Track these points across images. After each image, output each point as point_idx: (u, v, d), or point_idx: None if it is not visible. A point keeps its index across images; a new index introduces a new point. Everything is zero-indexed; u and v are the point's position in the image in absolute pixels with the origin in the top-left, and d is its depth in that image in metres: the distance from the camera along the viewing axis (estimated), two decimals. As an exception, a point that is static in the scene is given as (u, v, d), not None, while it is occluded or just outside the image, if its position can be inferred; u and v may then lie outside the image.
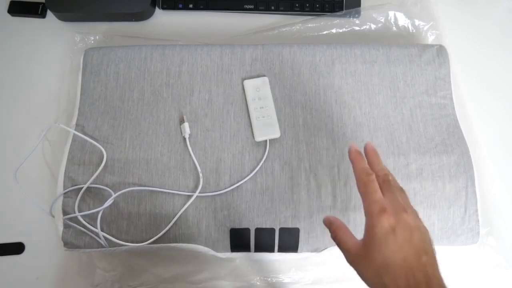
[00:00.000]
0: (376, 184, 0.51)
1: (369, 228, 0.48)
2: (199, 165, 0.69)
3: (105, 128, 0.72)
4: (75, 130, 0.71)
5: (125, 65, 0.75)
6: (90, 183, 0.67)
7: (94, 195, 0.68)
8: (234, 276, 0.72)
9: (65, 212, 0.67)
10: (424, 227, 0.49)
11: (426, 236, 0.48)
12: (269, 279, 0.72)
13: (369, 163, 0.55)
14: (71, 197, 0.68)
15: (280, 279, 0.72)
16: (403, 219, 0.47)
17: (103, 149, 0.69)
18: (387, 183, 0.52)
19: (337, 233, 0.52)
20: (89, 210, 0.66)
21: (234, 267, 0.73)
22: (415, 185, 0.69)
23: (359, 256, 0.48)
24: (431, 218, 0.68)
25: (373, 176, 0.51)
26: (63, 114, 0.78)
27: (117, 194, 0.67)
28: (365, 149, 0.57)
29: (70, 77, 0.80)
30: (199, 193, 0.68)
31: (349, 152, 0.56)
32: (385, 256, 0.46)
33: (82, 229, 0.66)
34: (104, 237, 0.66)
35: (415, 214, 0.50)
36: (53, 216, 0.69)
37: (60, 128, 0.73)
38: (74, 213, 0.66)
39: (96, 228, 0.65)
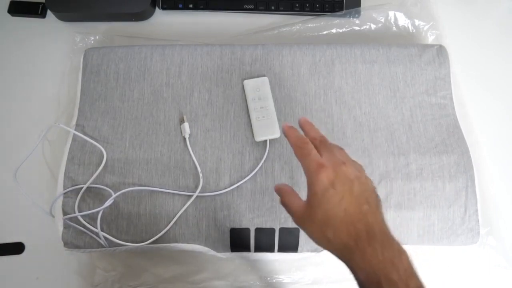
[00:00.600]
0: (311, 145, 0.51)
1: (309, 186, 0.48)
2: (199, 165, 0.69)
3: (105, 128, 0.72)
4: (75, 130, 0.71)
5: (125, 65, 0.75)
6: (90, 183, 0.67)
7: (94, 195, 0.68)
8: (234, 276, 0.72)
9: (65, 212, 0.67)
10: (365, 177, 0.50)
11: (367, 186, 0.49)
12: (269, 279, 0.73)
13: (305, 133, 0.56)
14: (71, 197, 0.68)
15: (280, 279, 0.73)
16: (342, 172, 0.48)
17: (103, 149, 0.69)
18: (323, 143, 0.53)
19: (284, 198, 0.52)
20: (89, 210, 0.66)
21: (234, 267, 0.73)
22: (415, 185, 0.69)
23: (304, 216, 0.49)
24: (431, 218, 0.68)
25: (307, 139, 0.52)
26: (63, 114, 0.78)
27: (117, 194, 0.67)
28: (299, 123, 0.57)
29: (70, 77, 0.80)
30: (199, 193, 0.68)
31: (282, 130, 0.56)
32: (326, 210, 0.46)
33: (82, 229, 0.66)
34: (104, 237, 0.66)
35: (355, 166, 0.50)
36: (53, 216, 0.69)
37: (60, 128, 0.73)
38: (74, 213, 0.66)
39: (96, 228, 0.65)
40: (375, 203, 0.48)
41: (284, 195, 0.53)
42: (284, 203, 0.52)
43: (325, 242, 0.47)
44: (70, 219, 0.66)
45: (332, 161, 0.49)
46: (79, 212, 0.66)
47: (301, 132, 0.56)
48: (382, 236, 0.45)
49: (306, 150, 0.51)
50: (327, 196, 0.46)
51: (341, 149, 0.54)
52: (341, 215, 0.46)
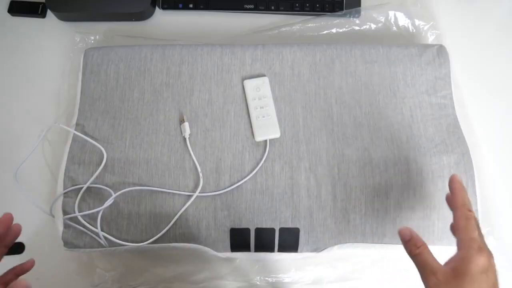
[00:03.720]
0: (475, 221, 0.53)
1: (464, 261, 0.50)
2: (199, 165, 0.69)
3: (105, 128, 0.72)
4: (75, 130, 0.71)
5: (125, 65, 0.75)
6: (90, 183, 0.67)
7: (94, 195, 0.68)
8: (234, 275, 0.72)
9: (65, 212, 0.67)
10: (494, 266, 0.52)
11: (495, 275, 0.51)
12: (269, 279, 0.73)
13: (454, 196, 0.57)
14: (71, 197, 0.68)
15: (280, 279, 0.73)
16: (493, 264, 0.51)
17: (103, 149, 0.69)
18: (476, 222, 0.54)
19: (422, 252, 0.53)
20: (89, 210, 0.67)
21: (234, 267, 0.73)
22: (415, 185, 0.69)
23: (448, 284, 0.50)
24: (431, 218, 0.68)
25: (473, 214, 0.54)
26: (63, 113, 0.78)
27: (117, 194, 0.67)
28: (450, 181, 0.59)
29: (70, 77, 0.80)
30: (199, 193, 0.68)
31: (452, 181, 0.58)
32: None
33: (82, 229, 0.66)
34: (104, 237, 0.66)
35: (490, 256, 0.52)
36: (53, 216, 0.69)
37: (60, 128, 0.73)
38: (74, 213, 0.66)
39: (96, 228, 0.65)
40: None
41: (422, 249, 0.53)
42: (421, 257, 0.53)
43: None
44: (70, 219, 0.66)
45: (487, 249, 0.52)
46: (79, 212, 0.66)
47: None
48: None
49: (471, 226, 0.53)
50: (480, 280, 0.49)
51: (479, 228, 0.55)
52: None
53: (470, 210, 0.54)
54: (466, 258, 0.50)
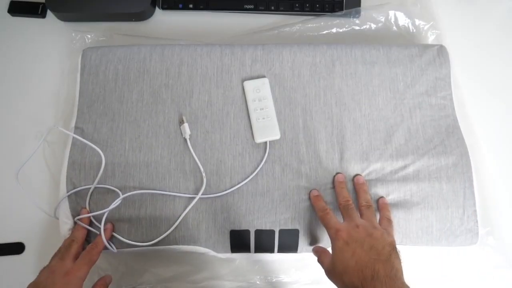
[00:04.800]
0: (331, 215, 0.65)
1: (332, 247, 0.62)
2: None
3: (104, 131, 0.71)
4: (74, 132, 0.71)
5: (123, 66, 0.75)
6: (96, 185, 0.68)
7: (96, 199, 0.68)
8: (234, 276, 0.73)
9: (73, 214, 0.68)
10: (378, 234, 0.60)
11: (377, 241, 0.59)
12: (269, 279, 0.73)
13: (335, 194, 0.69)
14: (75, 200, 0.69)
15: (280, 279, 0.73)
16: (354, 233, 0.60)
17: (101, 153, 0.69)
18: (345, 208, 0.66)
19: (319, 257, 0.65)
20: (91, 212, 0.67)
21: (234, 267, 0.73)
22: (412, 186, 0.69)
23: (329, 269, 0.61)
24: (429, 219, 0.68)
25: (328, 210, 0.65)
26: (63, 115, 0.78)
27: (125, 195, 0.67)
28: (335, 179, 0.70)
29: (69, 77, 0.80)
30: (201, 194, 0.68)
31: (310, 197, 0.69)
32: (343, 262, 0.58)
33: (90, 228, 0.67)
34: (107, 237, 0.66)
35: (369, 226, 0.62)
36: (57, 218, 0.69)
37: (59, 129, 0.73)
38: (78, 215, 0.67)
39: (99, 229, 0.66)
40: (386, 253, 0.58)
41: (319, 255, 0.65)
42: (319, 261, 0.65)
43: (343, 286, 0.58)
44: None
45: (348, 225, 0.62)
46: (88, 212, 0.67)
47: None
48: (385, 279, 0.55)
49: (327, 220, 0.64)
50: (343, 251, 0.59)
51: (369, 207, 0.66)
52: (353, 265, 0.57)
53: (324, 209, 0.66)
54: (332, 245, 0.61)
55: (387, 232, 0.62)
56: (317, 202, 0.68)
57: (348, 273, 0.57)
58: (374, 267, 0.56)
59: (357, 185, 0.70)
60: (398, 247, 0.60)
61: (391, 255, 0.58)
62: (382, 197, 0.70)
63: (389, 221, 0.66)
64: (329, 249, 0.64)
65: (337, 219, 0.64)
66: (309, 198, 0.69)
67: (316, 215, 0.67)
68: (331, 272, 0.60)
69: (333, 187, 0.70)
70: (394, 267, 0.56)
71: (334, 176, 0.70)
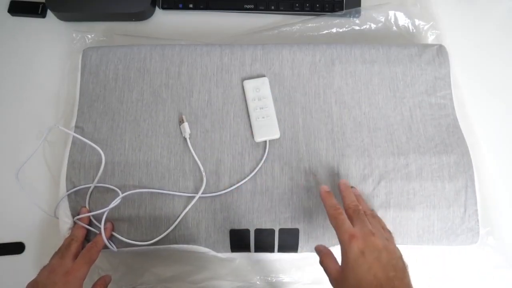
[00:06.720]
0: (344, 216, 0.58)
1: (343, 254, 0.55)
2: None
3: (104, 130, 0.71)
4: (75, 132, 0.71)
5: (124, 66, 0.75)
6: (95, 184, 0.68)
7: (96, 198, 0.68)
8: (234, 275, 0.72)
9: (73, 214, 0.68)
10: (393, 247, 0.55)
11: (394, 254, 0.54)
12: (269, 279, 0.73)
13: (342, 197, 0.63)
14: (74, 199, 0.69)
15: (280, 279, 0.73)
16: (371, 242, 0.54)
17: (101, 152, 0.69)
18: (356, 213, 0.59)
19: (323, 259, 0.59)
20: (91, 212, 0.67)
21: (234, 266, 0.73)
22: (415, 185, 0.69)
23: (338, 279, 0.55)
24: (431, 218, 0.68)
25: (341, 210, 0.59)
26: (63, 114, 0.78)
27: (124, 194, 0.67)
28: (338, 186, 0.65)
29: (69, 77, 0.80)
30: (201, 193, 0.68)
31: (320, 193, 0.64)
32: (358, 275, 0.52)
33: (90, 228, 0.67)
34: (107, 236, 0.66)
35: (383, 236, 0.56)
36: (57, 218, 0.69)
37: (59, 129, 0.73)
38: (78, 214, 0.67)
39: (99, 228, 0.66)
40: (402, 270, 0.53)
41: (324, 257, 0.59)
42: (323, 264, 0.59)
43: None
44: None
45: (363, 232, 0.55)
46: (88, 212, 0.67)
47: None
48: None
49: (340, 221, 0.57)
50: (358, 263, 0.52)
51: (375, 217, 0.61)
52: (370, 280, 0.51)
53: (337, 208, 0.59)
54: (343, 251, 0.55)
55: (394, 245, 0.57)
56: (328, 199, 0.62)
57: None
58: (393, 284, 0.51)
59: (356, 195, 0.65)
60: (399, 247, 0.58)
61: (405, 271, 0.53)
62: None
63: (390, 232, 0.61)
64: (332, 248, 0.61)
65: (349, 222, 0.58)
66: (320, 194, 0.64)
67: (327, 213, 0.60)
68: (340, 282, 0.55)
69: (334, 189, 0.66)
70: (410, 284, 0.52)
71: (339, 183, 0.66)
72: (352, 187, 0.67)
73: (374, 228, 0.57)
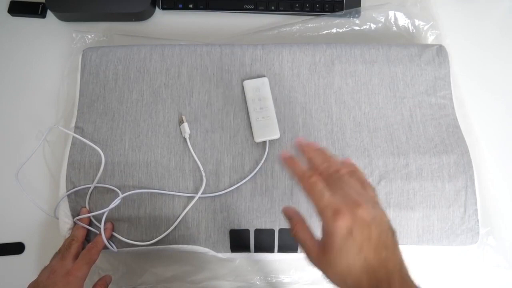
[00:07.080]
0: (321, 184, 0.48)
1: (327, 234, 0.46)
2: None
3: (104, 130, 0.71)
4: (74, 132, 0.71)
5: (123, 66, 0.75)
6: (95, 184, 0.68)
7: (96, 198, 0.68)
8: (234, 276, 0.72)
9: (73, 214, 0.68)
10: (380, 214, 0.47)
11: (383, 225, 0.46)
12: (269, 279, 0.73)
13: (307, 159, 0.53)
14: (74, 199, 0.69)
15: (280, 279, 0.73)
16: (359, 216, 0.45)
17: (101, 153, 0.69)
18: (332, 177, 0.49)
19: (297, 230, 0.50)
20: (91, 212, 0.67)
21: (234, 267, 0.73)
22: (415, 185, 0.69)
23: (321, 260, 0.47)
24: (431, 218, 0.68)
25: (315, 177, 0.49)
26: (63, 114, 0.78)
27: (124, 194, 0.67)
28: (296, 146, 0.55)
29: (69, 77, 0.80)
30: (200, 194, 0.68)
31: (281, 160, 0.53)
32: (347, 260, 0.44)
33: (90, 228, 0.67)
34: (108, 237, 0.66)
35: (368, 202, 0.47)
36: (57, 218, 0.69)
37: (59, 129, 0.73)
38: (78, 215, 0.67)
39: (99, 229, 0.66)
40: (393, 243, 0.46)
41: (297, 227, 0.51)
42: (296, 236, 0.50)
43: (344, 287, 0.45)
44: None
45: (347, 202, 0.46)
46: (88, 212, 0.67)
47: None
48: (402, 284, 0.44)
49: (318, 192, 0.47)
50: (347, 246, 0.44)
51: (353, 174, 0.51)
52: (361, 264, 0.44)
53: (309, 176, 0.49)
54: (327, 231, 0.46)
55: (380, 206, 0.48)
56: (294, 166, 0.51)
57: (354, 275, 0.44)
58: (388, 267, 0.44)
59: (320, 151, 0.54)
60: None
61: (395, 243, 0.46)
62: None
63: (370, 185, 0.50)
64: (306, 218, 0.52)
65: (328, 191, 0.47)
66: (280, 161, 0.54)
67: (298, 183, 0.50)
68: (324, 265, 0.47)
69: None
70: (403, 261, 0.45)
71: (294, 141, 0.56)
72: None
73: (356, 193, 0.48)
